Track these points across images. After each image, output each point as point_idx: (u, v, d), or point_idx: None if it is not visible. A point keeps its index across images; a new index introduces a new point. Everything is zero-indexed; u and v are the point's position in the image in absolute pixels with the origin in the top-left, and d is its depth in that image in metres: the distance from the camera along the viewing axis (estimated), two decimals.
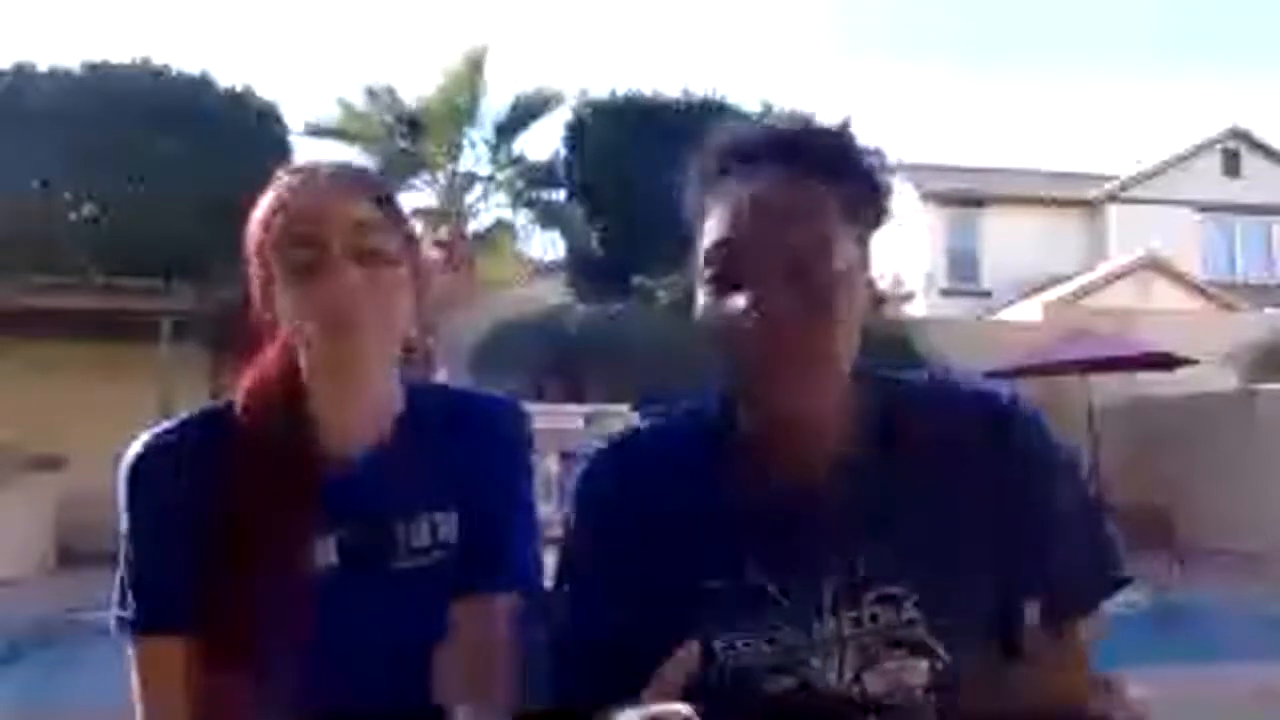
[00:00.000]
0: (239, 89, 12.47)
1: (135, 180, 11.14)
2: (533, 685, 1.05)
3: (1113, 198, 21.44)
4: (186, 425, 1.15)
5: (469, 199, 13.10)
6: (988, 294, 19.75)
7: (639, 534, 1.00)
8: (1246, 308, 16.60)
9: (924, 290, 18.56)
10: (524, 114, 13.27)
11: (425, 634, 1.11)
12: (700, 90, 14.63)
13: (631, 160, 11.89)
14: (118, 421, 3.46)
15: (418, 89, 13.02)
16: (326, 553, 1.11)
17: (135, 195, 11.07)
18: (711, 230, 0.94)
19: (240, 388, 1.16)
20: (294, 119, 12.81)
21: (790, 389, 0.91)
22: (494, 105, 13.12)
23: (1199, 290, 18.43)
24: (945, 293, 20.09)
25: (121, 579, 1.12)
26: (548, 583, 1.10)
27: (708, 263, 0.94)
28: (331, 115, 12.97)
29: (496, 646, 1.11)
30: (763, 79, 62.83)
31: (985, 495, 0.97)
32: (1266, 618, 6.06)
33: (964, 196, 21.18)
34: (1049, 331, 11.36)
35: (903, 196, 19.63)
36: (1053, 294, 17.81)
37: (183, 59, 18.45)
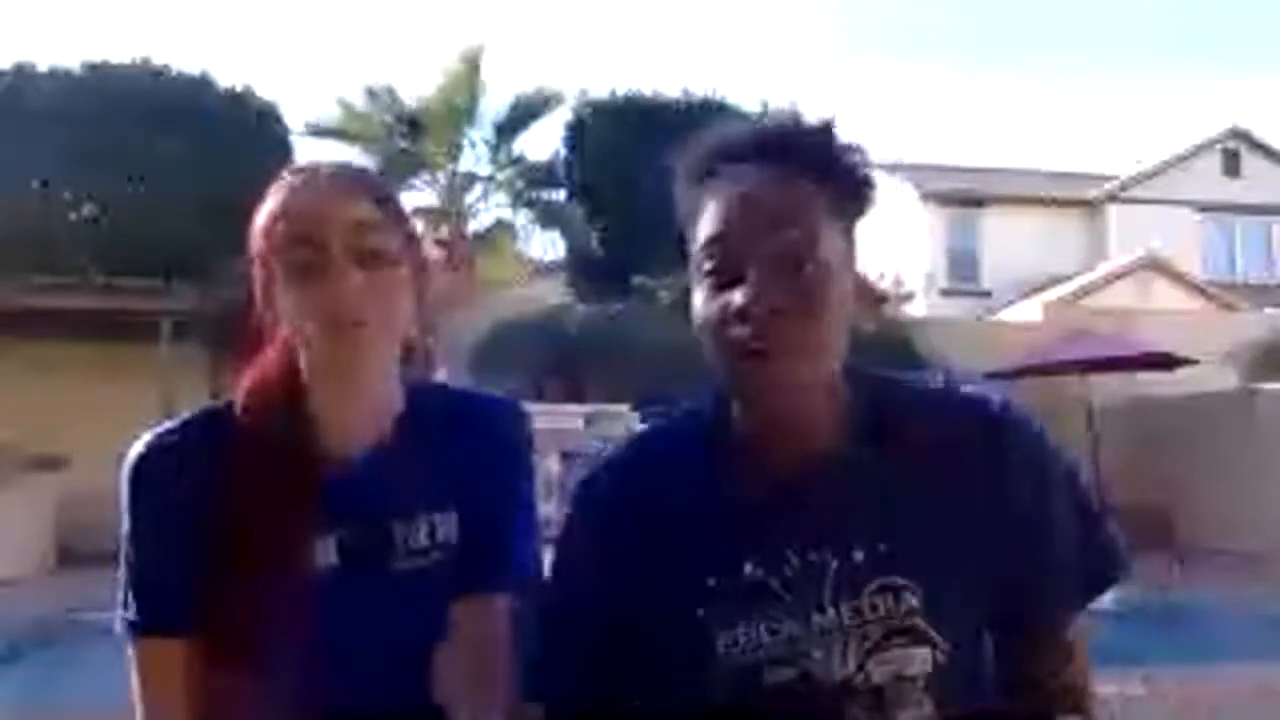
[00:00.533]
0: (239, 89, 12.50)
1: (135, 180, 11.17)
2: (522, 682, 1.06)
3: (1113, 198, 21.43)
4: (188, 425, 1.15)
5: (469, 199, 13.12)
6: (988, 294, 19.73)
7: (638, 534, 1.01)
8: (1246, 308, 16.60)
9: (924, 290, 18.53)
10: (524, 114, 13.28)
11: (425, 634, 1.11)
12: (700, 90, 14.71)
13: (631, 160, 11.86)
14: (118, 421, 3.46)
15: (417, 89, 13.08)
16: (326, 553, 1.11)
17: (135, 195, 11.10)
18: (704, 228, 0.96)
19: (240, 388, 1.16)
20: (294, 119, 12.89)
21: (783, 380, 0.93)
22: (494, 105, 13.17)
23: (1199, 290, 18.43)
24: (945, 293, 20.08)
25: (124, 580, 1.12)
26: None
27: (701, 259, 0.96)
28: (331, 115, 13.00)
29: (496, 646, 1.11)
30: (763, 79, 62.82)
31: (977, 493, 0.98)
32: (1266, 618, 6.06)
33: (964, 196, 21.17)
34: (1049, 331, 11.35)
35: (903, 196, 19.79)
36: (1053, 294, 17.81)
37: (183, 59, 18.53)
